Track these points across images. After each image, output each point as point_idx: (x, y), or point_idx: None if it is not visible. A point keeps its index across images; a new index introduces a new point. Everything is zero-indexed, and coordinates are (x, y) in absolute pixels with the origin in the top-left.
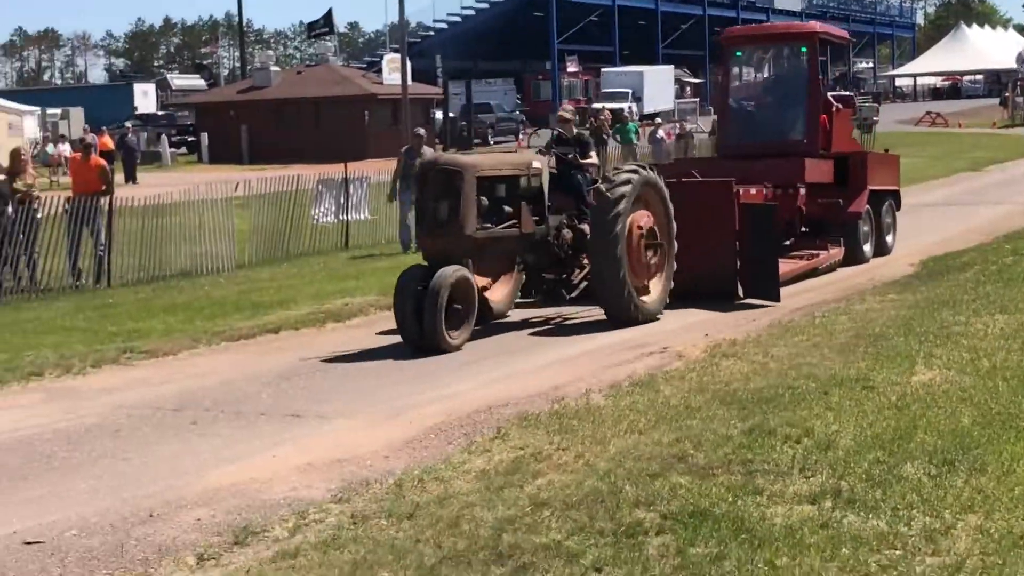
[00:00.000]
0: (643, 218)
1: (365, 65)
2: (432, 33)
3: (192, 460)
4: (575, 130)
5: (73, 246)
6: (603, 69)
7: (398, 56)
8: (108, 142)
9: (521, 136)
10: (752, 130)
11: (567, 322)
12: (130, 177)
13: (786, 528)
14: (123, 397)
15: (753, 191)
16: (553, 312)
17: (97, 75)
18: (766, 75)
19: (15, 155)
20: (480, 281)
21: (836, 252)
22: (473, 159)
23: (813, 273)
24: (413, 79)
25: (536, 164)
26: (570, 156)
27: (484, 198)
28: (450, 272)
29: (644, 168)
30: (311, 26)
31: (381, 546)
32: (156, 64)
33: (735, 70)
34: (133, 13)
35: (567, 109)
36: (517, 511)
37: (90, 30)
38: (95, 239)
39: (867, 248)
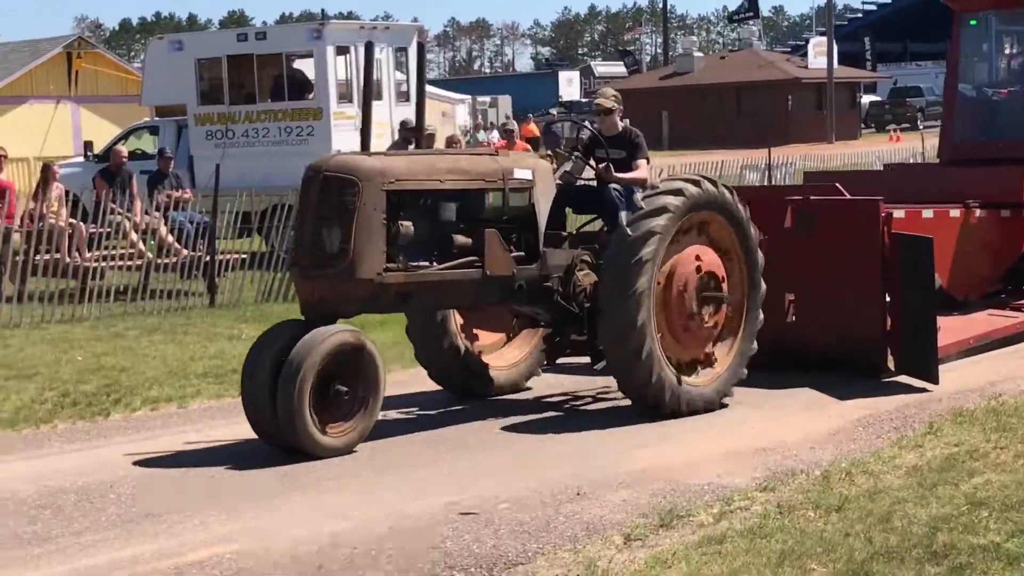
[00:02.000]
0: (698, 258)
1: (789, 49)
2: (860, 15)
3: (615, 441)
4: (620, 125)
5: None
6: None
7: (824, 39)
8: (533, 129)
9: None
10: (991, 126)
11: (590, 405)
12: None
13: None
14: (546, 381)
15: (954, 213)
16: (585, 384)
17: (524, 64)
18: (1014, 51)
19: (451, 143)
20: (484, 339)
21: None
22: (381, 163)
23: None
24: (839, 62)
25: (520, 172)
26: (602, 164)
27: (407, 222)
28: (325, 336)
29: (703, 182)
30: (733, 14)
31: (809, 537)
32: (580, 52)
33: (969, 44)
34: (560, 2)
35: (608, 95)
36: (952, 509)
37: (519, 20)
38: None
39: None
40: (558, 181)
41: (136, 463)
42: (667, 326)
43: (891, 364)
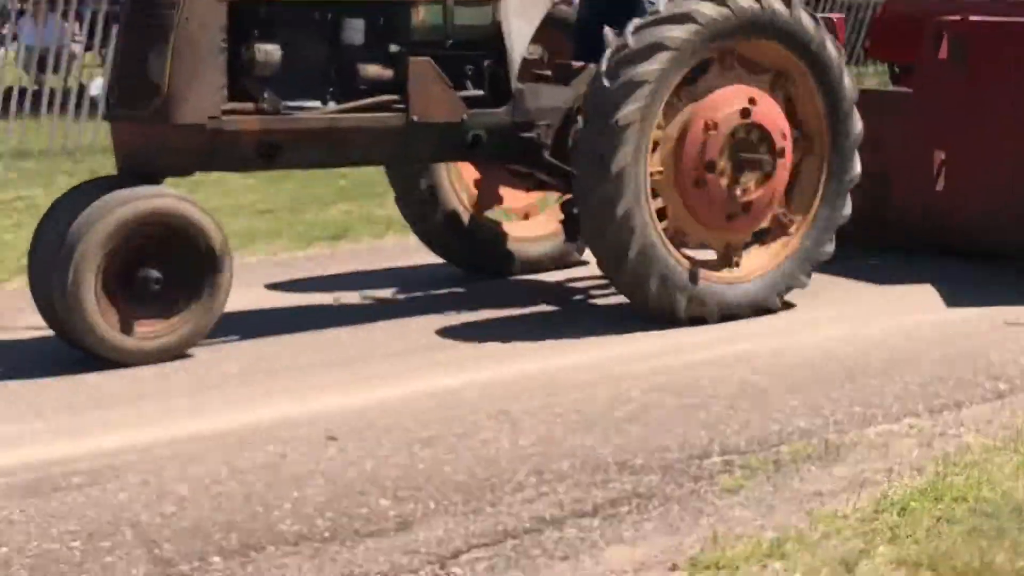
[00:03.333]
0: (726, 105)
1: None
2: None
3: None
4: None
5: None
6: None
7: None
8: None
9: None
10: None
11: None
12: None
13: None
14: None
15: None
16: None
17: None
18: None
19: None
20: (512, 202)
21: None
22: None
23: None
24: None
25: None
26: None
27: (269, 46)
28: (119, 202)
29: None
30: None
31: None
32: None
33: None
34: None
35: None
36: None
37: None
38: None
39: None
40: None
41: None
42: (682, 197)
43: None
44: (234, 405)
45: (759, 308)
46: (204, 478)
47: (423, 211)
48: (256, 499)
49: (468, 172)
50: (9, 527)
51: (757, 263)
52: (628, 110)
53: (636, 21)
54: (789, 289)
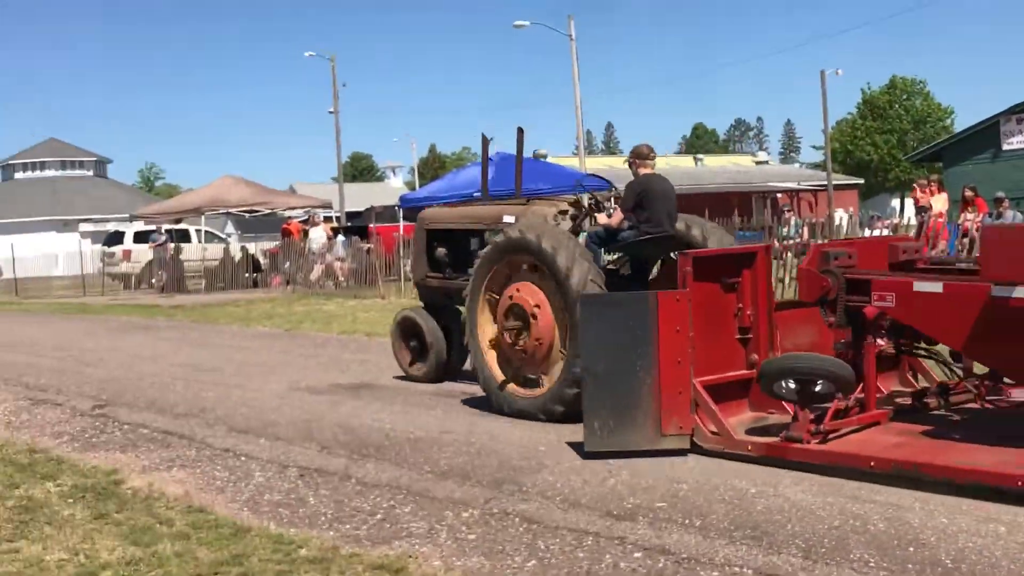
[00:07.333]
0: (516, 291)
1: None
2: None
3: None
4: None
5: None
6: None
7: None
8: None
9: None
10: None
11: None
12: None
13: None
14: None
15: None
16: None
17: None
18: None
19: None
20: None
21: None
22: (430, 212)
23: None
24: None
25: (507, 218)
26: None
27: (443, 249)
28: (398, 313)
29: (512, 231)
30: None
31: None
32: None
33: None
34: None
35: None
36: None
37: None
38: None
39: None
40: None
41: None
42: (499, 344)
43: None
44: None
45: (545, 413)
46: None
47: None
48: None
49: None
50: None
51: (535, 391)
52: (469, 284)
53: None
54: (544, 412)
